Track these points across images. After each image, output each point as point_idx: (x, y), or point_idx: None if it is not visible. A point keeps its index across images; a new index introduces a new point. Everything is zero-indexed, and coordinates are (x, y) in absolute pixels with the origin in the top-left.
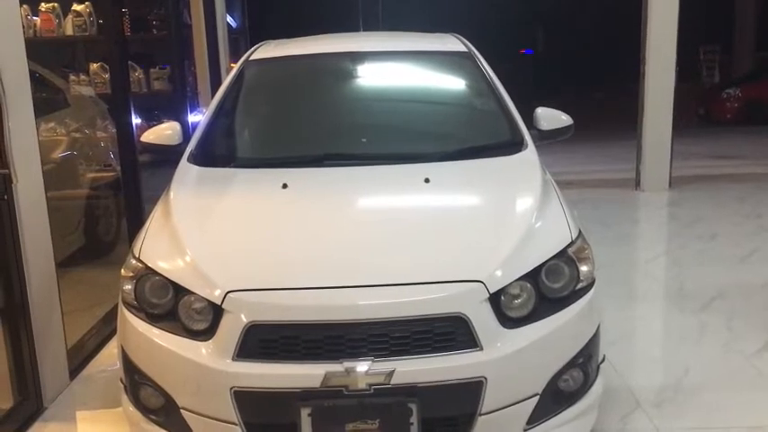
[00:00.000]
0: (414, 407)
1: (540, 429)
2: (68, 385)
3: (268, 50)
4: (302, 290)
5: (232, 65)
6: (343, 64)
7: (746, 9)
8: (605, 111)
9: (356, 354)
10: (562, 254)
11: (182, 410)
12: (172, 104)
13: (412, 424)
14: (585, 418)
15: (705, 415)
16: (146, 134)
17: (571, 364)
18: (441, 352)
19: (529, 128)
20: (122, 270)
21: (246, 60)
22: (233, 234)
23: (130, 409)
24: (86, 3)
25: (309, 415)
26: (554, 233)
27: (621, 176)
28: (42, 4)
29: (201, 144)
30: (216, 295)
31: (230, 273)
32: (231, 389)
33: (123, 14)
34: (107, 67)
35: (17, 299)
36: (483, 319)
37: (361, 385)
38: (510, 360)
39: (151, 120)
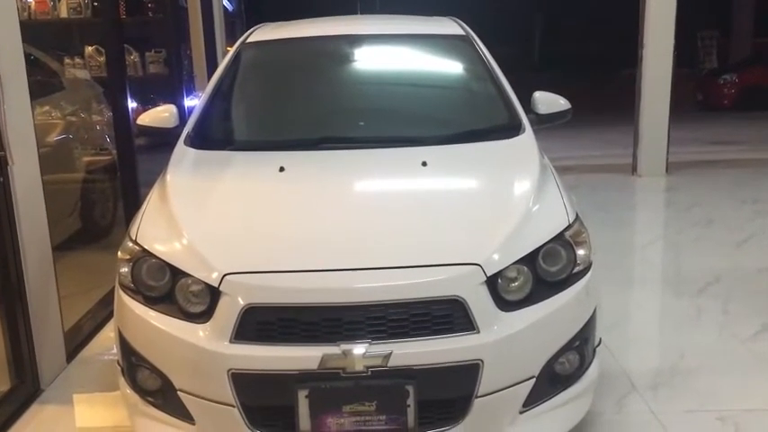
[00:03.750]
0: (411, 389)
1: (536, 412)
2: (65, 368)
3: (265, 33)
4: (299, 272)
5: (228, 48)
6: (341, 47)
7: None
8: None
9: (353, 336)
10: (559, 237)
11: (179, 392)
12: (168, 88)
13: (409, 406)
14: (581, 400)
15: (700, 398)
16: (141, 117)
17: (567, 347)
18: (438, 335)
19: (527, 112)
20: (119, 253)
21: (243, 43)
22: (230, 217)
23: (128, 391)
24: None
25: (306, 397)
26: (551, 217)
27: (619, 161)
28: None
29: (198, 127)
30: (213, 278)
31: (227, 255)
32: (228, 371)
33: None
34: (102, 50)
35: (14, 282)
36: (480, 302)
37: (359, 367)
38: (507, 343)
39: (147, 103)
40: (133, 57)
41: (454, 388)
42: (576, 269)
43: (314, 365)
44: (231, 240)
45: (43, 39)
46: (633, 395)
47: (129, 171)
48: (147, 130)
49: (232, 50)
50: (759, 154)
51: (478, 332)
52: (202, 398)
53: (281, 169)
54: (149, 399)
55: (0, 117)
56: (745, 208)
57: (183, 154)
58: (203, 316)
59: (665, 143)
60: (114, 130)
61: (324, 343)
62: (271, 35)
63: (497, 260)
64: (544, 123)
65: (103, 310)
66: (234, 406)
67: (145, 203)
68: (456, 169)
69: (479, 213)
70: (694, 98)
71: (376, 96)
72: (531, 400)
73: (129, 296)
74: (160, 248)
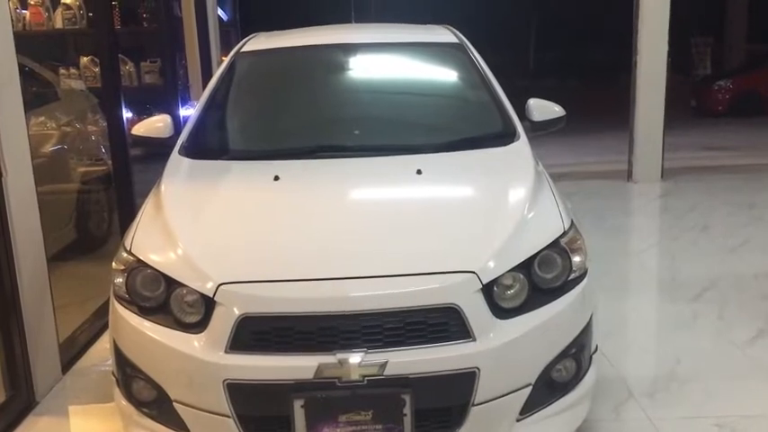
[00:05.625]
0: (407, 398)
1: (533, 419)
2: (61, 379)
3: (259, 42)
4: (295, 282)
5: (223, 58)
6: (335, 55)
7: (738, 1)
8: (599, 102)
9: (349, 345)
10: (555, 244)
11: (174, 403)
12: (163, 98)
13: (405, 415)
14: (578, 408)
15: (697, 404)
16: (136, 127)
17: (564, 354)
18: (434, 343)
19: (521, 119)
20: (114, 263)
21: (237, 52)
22: (225, 226)
23: (123, 402)
24: None
25: (302, 407)
26: (546, 224)
27: (614, 168)
28: None
29: (193, 136)
30: (208, 288)
31: (222, 265)
32: (224, 381)
33: (113, 7)
34: (97, 60)
35: (8, 293)
36: (476, 310)
37: (355, 376)
38: (503, 351)
39: (142, 113)
40: (128, 67)
41: (451, 396)
42: (572, 276)
43: (310, 375)
44: (226, 250)
45: (38, 49)
46: (630, 402)
47: (124, 181)
48: (142, 140)
49: (227, 60)
50: (754, 159)
51: (474, 340)
52: (198, 408)
53: (276, 178)
54: (144, 410)
55: None
56: (741, 213)
57: (177, 164)
58: (198, 326)
59: (659, 149)
60: (109, 140)
61: (319, 352)
62: (265, 44)
63: (493, 268)
64: (538, 130)
65: (99, 321)
66: (229, 416)
67: (139, 214)
68: (451, 177)
69: (474, 221)
70: (688, 104)
71: (370, 105)
72: (528, 408)
73: (124, 307)
74: (155, 259)
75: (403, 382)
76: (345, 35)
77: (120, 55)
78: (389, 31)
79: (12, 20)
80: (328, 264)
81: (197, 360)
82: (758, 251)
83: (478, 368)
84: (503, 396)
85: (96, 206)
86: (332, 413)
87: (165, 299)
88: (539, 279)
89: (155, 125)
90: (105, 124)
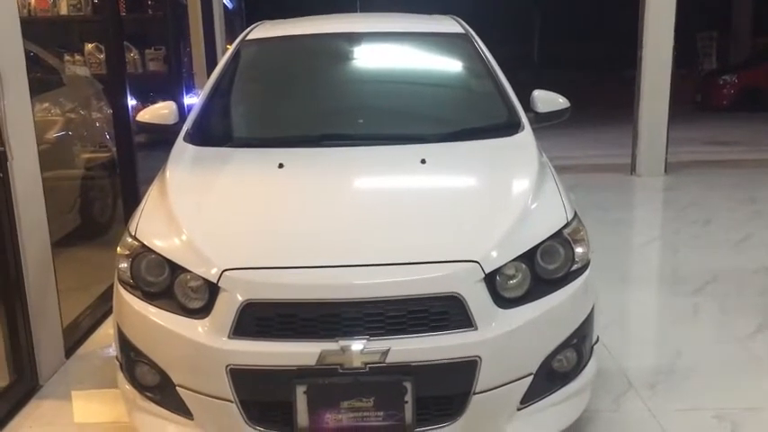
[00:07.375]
0: (408, 385)
1: (533, 409)
2: (64, 364)
3: (264, 30)
4: (298, 268)
5: (228, 46)
6: (340, 44)
7: None
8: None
9: (352, 332)
10: (557, 235)
11: (177, 388)
12: (167, 85)
13: (407, 402)
14: (578, 398)
15: (697, 397)
16: (141, 113)
17: (565, 344)
18: (436, 331)
19: (526, 110)
20: (118, 248)
21: (243, 40)
22: (229, 213)
23: (126, 386)
24: None
25: (305, 393)
26: (550, 214)
27: (618, 161)
28: None
29: (198, 123)
30: (212, 273)
31: (226, 251)
32: (227, 366)
33: None
34: (102, 47)
35: (13, 278)
36: (478, 299)
37: (357, 364)
38: (504, 340)
39: (146, 101)
40: (133, 54)
41: (452, 384)
42: (574, 267)
43: (312, 361)
44: (230, 236)
45: (43, 36)
46: (630, 393)
47: (128, 168)
48: (147, 127)
49: (232, 48)
50: (757, 154)
51: (476, 329)
52: (201, 393)
53: (281, 166)
54: (148, 394)
55: (0, 113)
56: (743, 208)
57: (182, 150)
58: (202, 311)
59: (663, 143)
60: (114, 127)
61: (322, 339)
62: (270, 32)
63: (496, 257)
64: (543, 122)
65: (102, 306)
66: (232, 402)
67: (144, 199)
68: (455, 167)
69: (478, 211)
70: (693, 99)
71: (375, 94)
72: (529, 397)
73: (129, 292)
74: (159, 244)
75: (405, 370)
76: (351, 24)
77: (124, 42)
78: (395, 20)
79: (17, 5)
80: (332, 251)
81: (200, 345)
82: (760, 246)
83: (480, 357)
84: (504, 385)
85: (100, 192)
86: (334, 400)
87: (169, 284)
88: (541, 269)
89: (160, 112)
90: (110, 111)
